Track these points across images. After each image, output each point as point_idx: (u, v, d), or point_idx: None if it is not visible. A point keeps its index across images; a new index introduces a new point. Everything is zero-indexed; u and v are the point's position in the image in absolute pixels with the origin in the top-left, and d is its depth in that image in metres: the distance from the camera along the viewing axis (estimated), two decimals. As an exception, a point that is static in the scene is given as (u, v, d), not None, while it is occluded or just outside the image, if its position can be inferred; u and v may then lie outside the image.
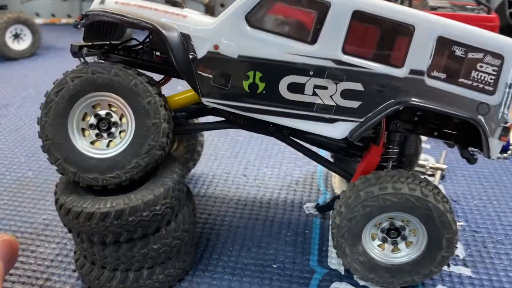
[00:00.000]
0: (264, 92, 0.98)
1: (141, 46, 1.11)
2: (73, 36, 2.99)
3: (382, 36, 0.96)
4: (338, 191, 1.42)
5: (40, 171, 1.48)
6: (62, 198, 0.94)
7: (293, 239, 1.21)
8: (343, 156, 1.24)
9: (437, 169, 1.50)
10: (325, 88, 0.97)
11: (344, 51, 0.95)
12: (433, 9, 1.85)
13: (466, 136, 1.07)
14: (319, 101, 0.98)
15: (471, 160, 1.10)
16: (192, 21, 0.99)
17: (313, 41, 0.95)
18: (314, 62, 0.96)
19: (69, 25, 3.19)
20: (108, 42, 1.09)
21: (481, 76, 0.95)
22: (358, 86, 0.96)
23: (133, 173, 0.95)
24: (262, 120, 1.06)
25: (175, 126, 1.16)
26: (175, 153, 1.35)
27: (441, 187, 1.46)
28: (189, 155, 1.38)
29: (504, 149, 1.63)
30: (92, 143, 0.98)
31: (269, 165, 1.56)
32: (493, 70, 0.95)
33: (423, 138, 1.74)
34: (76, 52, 1.05)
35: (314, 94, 0.97)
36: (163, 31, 0.96)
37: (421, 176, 1.01)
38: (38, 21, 3.06)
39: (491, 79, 0.95)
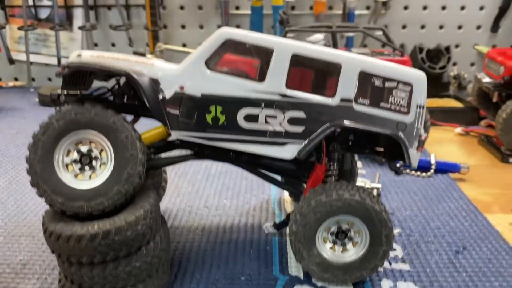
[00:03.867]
0: (224, 123, 1.16)
1: (110, 93, 1.27)
2: (22, 98, 3.07)
3: (316, 73, 1.19)
4: (290, 211, 1.59)
5: (10, 218, 1.55)
6: (51, 225, 1.05)
7: (256, 255, 1.36)
8: (293, 179, 1.43)
9: (373, 188, 1.73)
10: (274, 117, 1.17)
11: (287, 86, 1.16)
12: (356, 55, 2.16)
13: (391, 152, 1.30)
14: (271, 128, 1.17)
15: (398, 171, 1.33)
16: (159, 67, 1.17)
17: (261, 79, 1.16)
18: (264, 96, 1.16)
19: (16, 88, 3.24)
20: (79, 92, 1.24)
21: (397, 100, 1.19)
22: (301, 114, 1.17)
23: (115, 199, 1.08)
24: (223, 150, 1.23)
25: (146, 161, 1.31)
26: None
27: (378, 203, 1.68)
28: (155, 191, 1.51)
29: (427, 169, 1.91)
30: (75, 176, 1.10)
31: (227, 197, 1.72)
32: (405, 95, 1.20)
33: (359, 165, 1.99)
34: (56, 99, 1.19)
35: (267, 122, 1.17)
36: (136, 77, 1.13)
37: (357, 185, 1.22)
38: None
39: (405, 102, 1.20)
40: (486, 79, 2.29)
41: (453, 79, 3.05)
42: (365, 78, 1.18)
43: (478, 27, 3.21)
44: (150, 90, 1.14)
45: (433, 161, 1.93)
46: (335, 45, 2.13)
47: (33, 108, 2.81)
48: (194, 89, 1.15)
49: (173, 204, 1.66)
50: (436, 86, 2.87)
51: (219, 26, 3.15)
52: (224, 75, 1.16)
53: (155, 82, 1.15)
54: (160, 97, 1.15)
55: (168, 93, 1.15)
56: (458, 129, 2.49)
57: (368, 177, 1.88)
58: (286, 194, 1.72)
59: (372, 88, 1.18)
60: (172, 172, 1.89)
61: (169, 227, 1.49)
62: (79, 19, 3.17)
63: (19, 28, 3.03)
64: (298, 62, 1.16)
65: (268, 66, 1.16)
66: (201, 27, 3.21)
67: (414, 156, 1.21)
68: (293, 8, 3.16)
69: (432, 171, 1.92)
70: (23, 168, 1.92)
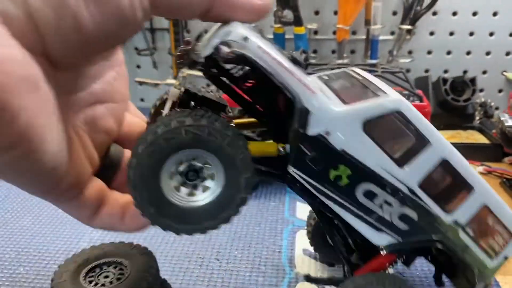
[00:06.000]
0: (344, 186, 1.06)
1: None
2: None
3: (450, 185, 1.11)
4: (299, 270, 1.62)
5: (31, 266, 1.62)
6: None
7: (262, 321, 1.39)
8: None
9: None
10: (390, 205, 1.09)
11: (419, 185, 1.08)
12: (375, 98, 2.14)
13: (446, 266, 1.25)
14: (380, 213, 1.09)
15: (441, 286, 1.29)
16: (318, 101, 1.01)
17: (403, 164, 1.07)
18: (395, 182, 1.07)
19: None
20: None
21: (494, 246, 1.16)
22: (414, 215, 1.10)
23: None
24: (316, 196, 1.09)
25: None
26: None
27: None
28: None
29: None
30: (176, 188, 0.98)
31: (239, 247, 1.75)
32: (503, 243, 1.17)
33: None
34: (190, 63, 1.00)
35: (380, 206, 1.09)
36: (304, 101, 0.98)
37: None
38: None
39: (499, 249, 1.17)
40: (510, 123, 2.23)
41: (479, 106, 2.99)
42: (483, 212, 1.13)
43: (507, 54, 3.12)
44: (301, 118, 1.00)
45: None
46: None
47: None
48: (339, 141, 1.03)
49: (186, 255, 1.70)
50: (460, 117, 2.82)
51: (241, 50, 3.16)
52: (373, 143, 1.05)
53: (306, 112, 1.00)
54: (301, 130, 1.01)
55: (312, 131, 1.02)
56: (480, 168, 2.44)
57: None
58: (298, 251, 1.74)
59: (484, 223, 1.14)
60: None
61: (180, 283, 1.54)
62: (105, 41, 3.24)
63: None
64: (442, 168, 1.09)
65: (416, 156, 1.07)
66: (224, 50, 3.23)
67: None
68: (315, 33, 3.14)
69: None
70: (46, 205, 2.02)
